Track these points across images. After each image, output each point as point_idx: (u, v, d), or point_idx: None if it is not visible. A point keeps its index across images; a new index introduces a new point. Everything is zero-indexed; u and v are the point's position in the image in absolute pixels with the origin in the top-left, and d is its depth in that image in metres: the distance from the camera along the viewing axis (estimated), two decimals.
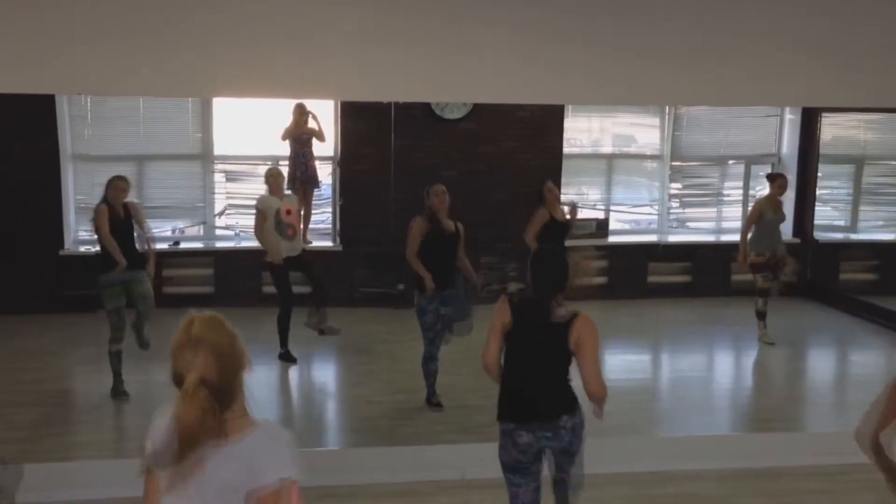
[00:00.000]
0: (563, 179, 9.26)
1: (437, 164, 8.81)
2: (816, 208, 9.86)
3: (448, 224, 6.23)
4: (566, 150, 9.44)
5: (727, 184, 10.18)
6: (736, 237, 8.27)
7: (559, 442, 3.60)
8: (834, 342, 8.78)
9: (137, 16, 4.51)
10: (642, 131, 9.97)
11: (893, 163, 10.38)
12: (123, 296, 6.31)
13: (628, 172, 10.03)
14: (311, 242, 8.88)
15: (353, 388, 7.06)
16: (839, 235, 10.26)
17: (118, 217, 6.33)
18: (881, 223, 10.45)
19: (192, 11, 4.56)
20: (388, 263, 8.47)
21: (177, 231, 9.26)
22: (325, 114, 8.97)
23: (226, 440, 2.21)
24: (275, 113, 8.67)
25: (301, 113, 8.74)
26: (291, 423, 6.00)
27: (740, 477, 5.28)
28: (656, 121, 9.82)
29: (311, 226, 9.11)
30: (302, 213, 8.00)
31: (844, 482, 5.19)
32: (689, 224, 10.18)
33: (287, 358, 7.23)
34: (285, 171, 8.81)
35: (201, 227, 9.28)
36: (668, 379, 7.79)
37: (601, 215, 9.79)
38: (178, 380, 2.22)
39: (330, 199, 9.38)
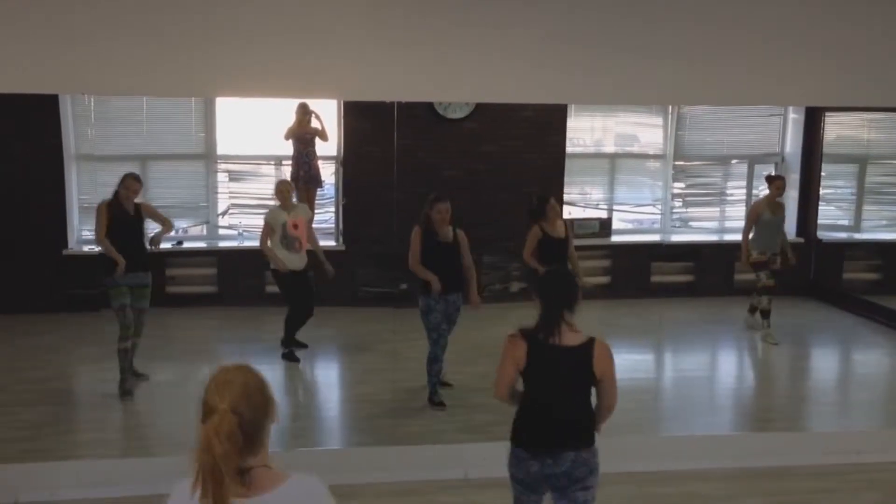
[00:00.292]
0: (566, 179, 9.27)
1: (439, 164, 8.81)
2: (820, 208, 9.82)
3: (446, 234, 6.23)
4: (569, 149, 9.42)
5: (730, 183, 10.15)
6: (739, 237, 8.30)
7: (573, 474, 3.51)
8: (837, 342, 8.77)
9: (140, 15, 4.52)
10: (645, 131, 9.95)
11: None
12: (129, 294, 6.33)
13: (631, 172, 10.02)
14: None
15: (356, 387, 7.07)
16: (843, 235, 10.22)
17: (125, 215, 6.33)
18: (885, 223, 10.41)
19: (195, 11, 4.57)
20: (391, 263, 8.46)
21: (180, 231, 9.25)
22: (328, 113, 8.96)
23: (247, 494, 2.04)
24: (278, 112, 8.66)
25: (304, 112, 8.73)
26: (294, 422, 6.01)
27: (743, 476, 5.28)
28: (659, 120, 9.81)
29: (314, 225, 9.09)
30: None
31: (848, 482, 5.20)
32: (692, 224, 10.15)
33: (290, 357, 7.23)
34: (288, 170, 8.87)
35: (204, 226, 9.28)
36: (671, 378, 7.78)
37: (604, 215, 9.78)
38: (208, 411, 2.06)
39: (333, 199, 9.38)
